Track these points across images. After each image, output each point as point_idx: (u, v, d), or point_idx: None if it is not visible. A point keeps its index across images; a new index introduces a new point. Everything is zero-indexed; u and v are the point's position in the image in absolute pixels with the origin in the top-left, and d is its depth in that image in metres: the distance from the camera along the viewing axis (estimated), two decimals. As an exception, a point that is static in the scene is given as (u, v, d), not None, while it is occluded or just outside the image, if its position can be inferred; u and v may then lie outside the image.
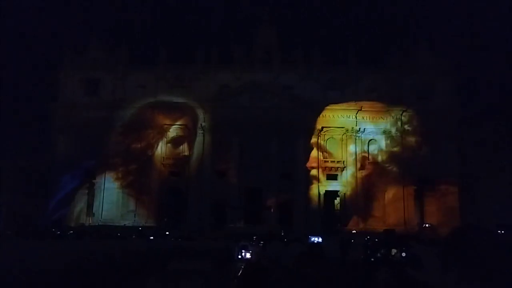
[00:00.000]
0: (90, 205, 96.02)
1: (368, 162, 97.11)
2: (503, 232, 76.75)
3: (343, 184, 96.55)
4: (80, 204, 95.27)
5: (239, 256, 30.78)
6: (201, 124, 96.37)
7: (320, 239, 56.07)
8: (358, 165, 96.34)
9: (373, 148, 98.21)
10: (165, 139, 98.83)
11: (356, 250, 37.22)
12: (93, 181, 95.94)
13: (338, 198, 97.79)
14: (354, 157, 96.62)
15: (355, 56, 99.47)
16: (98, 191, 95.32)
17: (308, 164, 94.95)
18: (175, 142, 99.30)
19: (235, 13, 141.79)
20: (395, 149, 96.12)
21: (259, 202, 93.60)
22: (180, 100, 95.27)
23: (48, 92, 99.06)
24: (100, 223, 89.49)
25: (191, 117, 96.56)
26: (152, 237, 70.75)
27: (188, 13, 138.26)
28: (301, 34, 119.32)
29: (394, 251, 32.25)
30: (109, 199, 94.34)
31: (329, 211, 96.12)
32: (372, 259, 32.44)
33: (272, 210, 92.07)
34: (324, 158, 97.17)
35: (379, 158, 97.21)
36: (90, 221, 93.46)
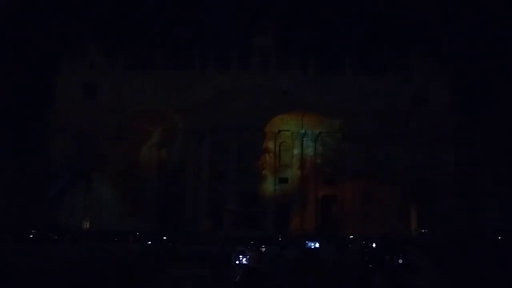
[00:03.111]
0: (87, 209, 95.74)
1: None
2: (500, 238, 76.81)
3: (340, 189, 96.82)
4: (76, 208, 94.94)
5: (237, 261, 30.77)
6: (198, 128, 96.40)
7: (317, 244, 56.05)
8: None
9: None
10: (162, 142, 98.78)
11: (352, 255, 37.29)
12: (90, 185, 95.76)
13: (335, 203, 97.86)
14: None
15: (351, 60, 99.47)
16: (95, 195, 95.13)
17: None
18: (172, 146, 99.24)
19: (232, 17, 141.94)
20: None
21: (258, 206, 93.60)
22: (177, 104, 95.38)
23: (45, 95, 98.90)
24: (97, 227, 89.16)
25: (188, 121, 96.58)
26: (149, 242, 70.48)
27: (186, 17, 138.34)
28: (298, 38, 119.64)
29: (388, 256, 32.34)
30: (106, 203, 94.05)
31: (326, 216, 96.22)
32: (369, 264, 32.51)
33: (269, 214, 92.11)
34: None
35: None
36: (87, 225, 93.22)
